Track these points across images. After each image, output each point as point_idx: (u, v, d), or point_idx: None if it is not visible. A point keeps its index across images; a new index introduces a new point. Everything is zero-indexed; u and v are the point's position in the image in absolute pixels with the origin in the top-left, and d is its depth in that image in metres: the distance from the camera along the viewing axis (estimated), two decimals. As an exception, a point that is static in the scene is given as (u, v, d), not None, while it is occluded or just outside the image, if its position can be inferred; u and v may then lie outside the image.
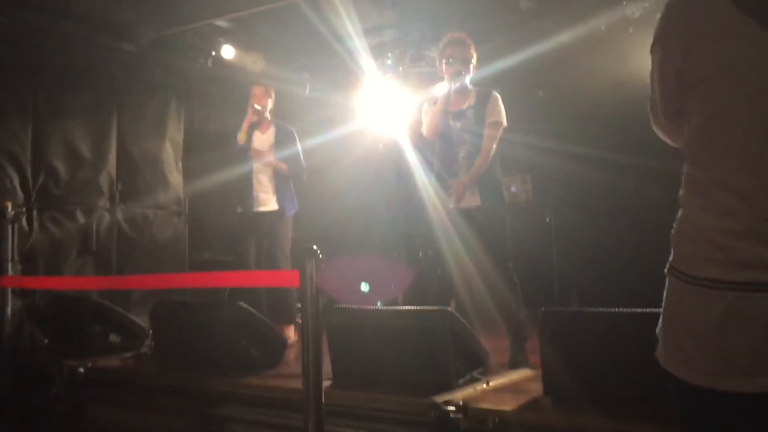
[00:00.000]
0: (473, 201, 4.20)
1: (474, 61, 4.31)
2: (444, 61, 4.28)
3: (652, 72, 1.47)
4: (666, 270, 1.43)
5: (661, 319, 1.43)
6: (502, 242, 4.17)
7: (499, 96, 4.27)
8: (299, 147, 5.55)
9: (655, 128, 1.58)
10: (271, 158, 5.41)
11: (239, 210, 5.51)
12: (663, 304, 1.42)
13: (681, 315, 1.36)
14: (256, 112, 5.45)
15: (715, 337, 1.29)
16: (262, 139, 5.52)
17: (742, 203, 1.30)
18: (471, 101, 4.28)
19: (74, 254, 5.99)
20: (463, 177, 4.18)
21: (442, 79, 4.35)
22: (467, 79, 4.30)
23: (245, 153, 5.48)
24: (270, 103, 5.54)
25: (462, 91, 4.30)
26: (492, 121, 4.20)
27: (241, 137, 5.44)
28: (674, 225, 1.43)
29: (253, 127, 5.50)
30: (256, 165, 5.44)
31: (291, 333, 5.29)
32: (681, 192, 1.43)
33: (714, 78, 1.34)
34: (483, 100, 4.26)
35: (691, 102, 1.39)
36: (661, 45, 1.43)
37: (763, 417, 1.28)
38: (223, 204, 6.89)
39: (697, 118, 1.38)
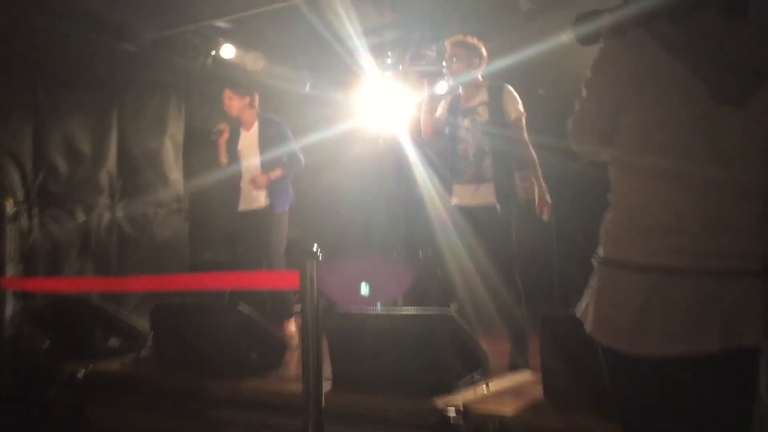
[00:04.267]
0: (485, 199, 4.11)
1: (481, 60, 4.23)
2: (447, 60, 4.25)
3: (587, 95, 1.71)
4: (595, 261, 1.69)
5: (587, 302, 1.69)
6: (507, 246, 4.09)
7: (511, 88, 4.17)
8: (290, 137, 5.27)
9: (573, 142, 1.79)
10: (262, 179, 5.09)
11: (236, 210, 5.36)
12: (592, 291, 1.67)
13: (610, 295, 1.62)
14: (227, 123, 5.33)
15: (639, 312, 1.55)
16: (247, 137, 5.31)
17: (670, 206, 1.56)
18: (483, 97, 4.18)
19: (74, 252, 5.99)
20: (542, 192, 4.12)
21: (442, 76, 4.32)
22: (475, 76, 4.21)
23: (234, 154, 5.29)
24: (240, 105, 5.28)
25: (471, 88, 4.23)
26: (514, 117, 4.11)
27: (223, 160, 5.28)
28: (605, 222, 1.71)
29: (235, 133, 5.32)
30: (244, 163, 5.26)
31: (291, 327, 5.22)
32: (611, 195, 1.71)
33: (648, 106, 1.59)
34: (496, 95, 4.15)
35: (627, 120, 1.63)
36: (600, 75, 1.68)
37: (673, 378, 1.54)
38: (223, 202, 6.89)
39: (634, 133, 1.63)
